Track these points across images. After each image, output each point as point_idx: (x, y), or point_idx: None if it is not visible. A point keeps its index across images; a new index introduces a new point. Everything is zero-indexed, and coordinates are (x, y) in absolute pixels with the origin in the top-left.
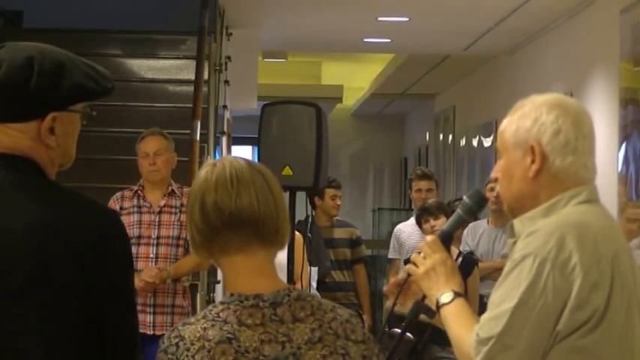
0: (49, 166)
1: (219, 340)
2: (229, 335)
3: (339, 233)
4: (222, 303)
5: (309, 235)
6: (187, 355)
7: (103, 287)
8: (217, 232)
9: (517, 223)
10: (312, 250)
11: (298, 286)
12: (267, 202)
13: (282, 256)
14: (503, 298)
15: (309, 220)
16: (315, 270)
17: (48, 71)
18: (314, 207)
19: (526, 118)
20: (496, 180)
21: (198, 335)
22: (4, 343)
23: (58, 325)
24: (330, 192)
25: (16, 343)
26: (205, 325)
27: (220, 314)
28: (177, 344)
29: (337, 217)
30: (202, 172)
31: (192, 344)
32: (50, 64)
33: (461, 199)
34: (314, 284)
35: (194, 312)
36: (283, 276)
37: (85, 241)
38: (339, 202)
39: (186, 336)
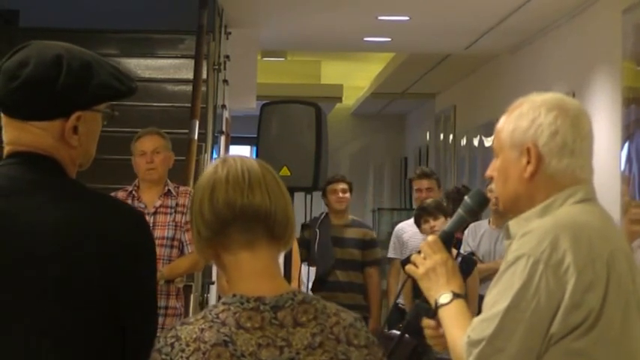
0: (70, 166)
1: (215, 343)
2: (226, 338)
3: (351, 233)
4: (223, 303)
5: (317, 230)
6: (182, 357)
7: (128, 287)
8: (227, 225)
9: (513, 224)
10: (317, 248)
11: (294, 284)
12: (277, 199)
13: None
14: (496, 299)
15: (321, 216)
16: (312, 270)
17: (76, 70)
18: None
19: (523, 119)
20: (491, 179)
21: (194, 336)
22: (24, 340)
23: (81, 325)
24: (329, 188)
25: (36, 341)
26: (203, 326)
27: (220, 315)
28: (172, 344)
29: (354, 217)
30: (212, 167)
31: (188, 345)
32: (78, 63)
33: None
34: (309, 285)
35: (187, 314)
36: None
37: (111, 240)
38: (341, 195)
39: (182, 336)
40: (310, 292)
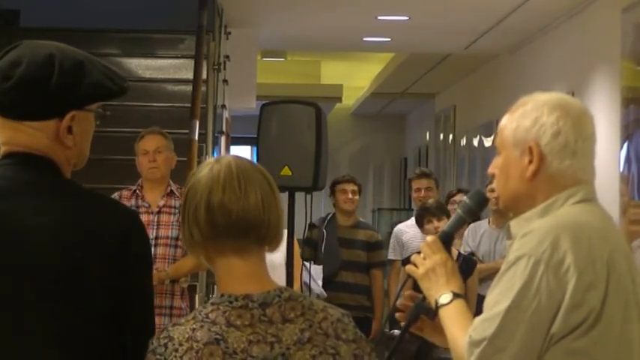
0: (65, 166)
1: (207, 342)
2: (217, 336)
3: (357, 235)
4: (212, 304)
5: (323, 231)
6: (175, 356)
7: (127, 287)
8: (220, 233)
9: (513, 224)
10: (324, 248)
11: (296, 285)
12: (270, 204)
13: (274, 257)
14: (497, 299)
15: (328, 216)
16: (320, 268)
17: (69, 69)
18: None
19: (527, 118)
20: (493, 176)
21: (186, 336)
22: (24, 341)
23: (81, 325)
24: (339, 188)
25: (36, 341)
26: (194, 326)
27: (209, 315)
28: (165, 345)
29: (360, 219)
30: (206, 169)
31: (181, 345)
32: (70, 62)
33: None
34: (319, 282)
35: None
36: (276, 276)
37: (109, 240)
38: (350, 196)
39: (175, 337)
40: (324, 291)
